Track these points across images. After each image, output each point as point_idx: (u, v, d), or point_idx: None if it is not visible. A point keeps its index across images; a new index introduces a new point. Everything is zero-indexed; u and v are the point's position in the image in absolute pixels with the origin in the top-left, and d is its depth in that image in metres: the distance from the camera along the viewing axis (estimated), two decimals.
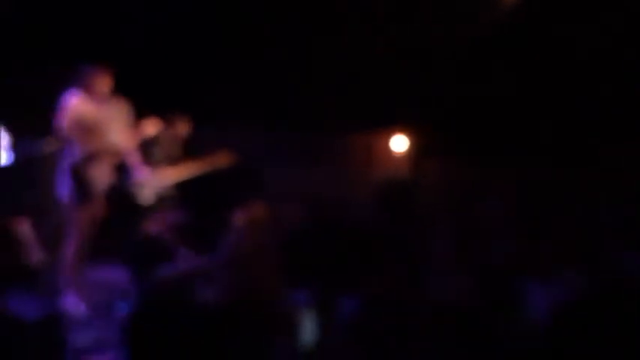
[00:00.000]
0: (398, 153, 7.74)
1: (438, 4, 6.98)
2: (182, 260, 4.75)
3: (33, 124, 5.84)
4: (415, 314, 3.12)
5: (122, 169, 5.61)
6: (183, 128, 6.13)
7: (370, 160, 7.72)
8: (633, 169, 6.57)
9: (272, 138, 7.28)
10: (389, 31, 7.05)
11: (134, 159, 5.52)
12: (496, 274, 3.58)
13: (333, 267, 4.01)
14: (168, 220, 5.05)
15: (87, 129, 4.95)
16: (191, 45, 6.91)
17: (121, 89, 5.18)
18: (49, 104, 5.04)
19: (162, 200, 5.96)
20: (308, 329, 3.56)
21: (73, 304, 4.97)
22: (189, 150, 6.23)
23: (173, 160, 6.06)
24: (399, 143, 7.72)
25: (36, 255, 5.43)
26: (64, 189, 5.06)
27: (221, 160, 6.18)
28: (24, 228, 5.48)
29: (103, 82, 5.03)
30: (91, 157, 5.00)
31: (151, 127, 5.62)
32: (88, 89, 4.98)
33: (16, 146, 6.14)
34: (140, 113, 5.50)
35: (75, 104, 4.93)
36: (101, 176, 5.12)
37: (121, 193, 5.71)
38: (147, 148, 5.86)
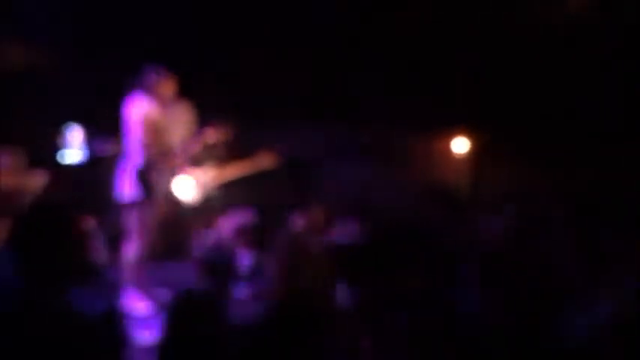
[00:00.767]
0: (459, 155, 7.64)
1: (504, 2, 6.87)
2: (244, 260, 4.79)
3: (102, 123, 6.01)
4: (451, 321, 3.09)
5: (179, 172, 5.70)
6: (231, 130, 6.18)
7: (430, 162, 7.65)
8: None
9: (331, 137, 7.28)
10: (452, 29, 6.97)
11: (186, 161, 5.61)
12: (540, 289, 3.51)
13: (382, 270, 3.97)
14: (228, 222, 5.10)
15: (151, 131, 5.05)
16: (246, 41, 6.96)
17: (183, 91, 5.28)
18: (116, 105, 5.17)
19: (212, 201, 6.02)
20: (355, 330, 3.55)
21: (135, 302, 5.07)
22: (248, 149, 6.28)
23: (221, 162, 6.11)
24: (460, 145, 7.62)
25: (100, 253, 5.57)
26: (126, 189, 5.16)
27: (266, 160, 6.18)
28: (90, 225, 5.63)
29: (168, 86, 5.12)
30: (154, 159, 5.10)
31: (214, 135, 5.70)
32: (153, 92, 5.07)
33: (86, 145, 6.31)
34: (200, 115, 5.59)
35: (140, 107, 5.04)
36: (163, 178, 5.22)
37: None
38: (198, 149, 5.93)
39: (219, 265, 4.23)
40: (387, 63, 7.04)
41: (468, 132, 7.57)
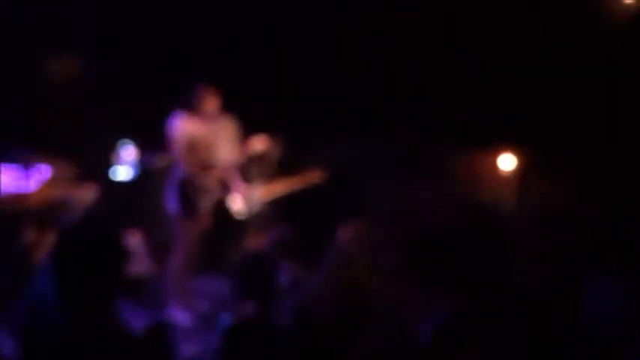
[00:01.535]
0: (505, 171, 7.53)
1: (551, 17, 6.78)
2: (287, 276, 4.78)
3: (148, 139, 6.10)
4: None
5: (225, 186, 5.76)
6: (278, 146, 6.23)
7: (476, 178, 7.55)
8: None
9: (377, 151, 7.25)
10: (500, 45, 6.90)
11: (234, 175, 5.66)
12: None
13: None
14: (272, 236, 5.11)
15: (194, 147, 5.11)
16: (290, 56, 6.99)
17: (227, 106, 5.33)
18: (162, 121, 5.24)
19: (261, 216, 6.06)
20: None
21: (179, 315, 5.11)
22: (294, 165, 6.31)
23: (269, 177, 6.16)
24: (507, 162, 7.51)
25: (145, 266, 5.64)
26: (172, 203, 5.22)
27: (313, 177, 6.22)
28: (135, 239, 5.71)
29: (211, 101, 5.17)
30: (197, 174, 5.16)
31: (258, 144, 5.73)
32: (196, 108, 5.12)
33: (137, 161, 6.41)
34: (245, 130, 5.63)
35: (183, 123, 5.10)
36: (207, 192, 5.27)
37: (224, 208, 5.85)
38: (245, 164, 5.99)
39: (260, 280, 4.23)
40: (433, 77, 6.99)
41: (515, 148, 7.46)
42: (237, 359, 3.35)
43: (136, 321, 2.50)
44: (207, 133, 5.19)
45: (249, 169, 6.03)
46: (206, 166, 5.19)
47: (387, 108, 7.10)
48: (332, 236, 4.50)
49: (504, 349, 3.11)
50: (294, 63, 6.93)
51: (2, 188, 4.79)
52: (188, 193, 5.15)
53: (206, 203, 5.27)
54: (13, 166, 5.24)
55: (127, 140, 6.14)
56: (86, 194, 5.69)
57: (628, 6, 6.82)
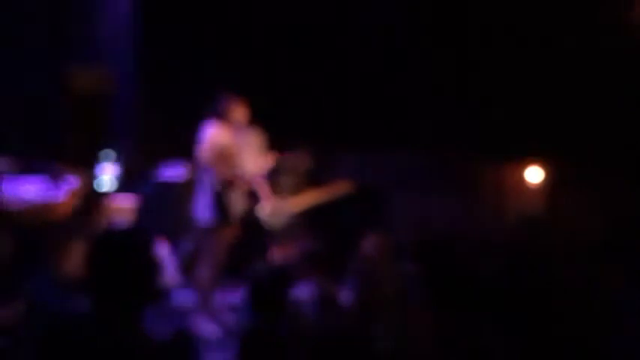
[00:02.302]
0: (532, 185, 7.46)
1: (582, 32, 6.73)
2: (311, 287, 4.77)
3: (175, 149, 6.15)
4: None
5: (252, 196, 5.79)
6: (307, 157, 6.25)
7: (502, 191, 7.49)
8: None
9: (403, 164, 7.23)
10: (527, 58, 6.87)
11: (262, 186, 5.69)
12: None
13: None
14: (297, 248, 5.11)
15: (224, 157, 5.14)
16: (319, 68, 7.02)
17: (255, 117, 5.37)
18: (191, 130, 5.30)
19: (288, 227, 6.07)
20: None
21: (205, 326, 5.13)
22: (320, 175, 6.33)
23: (298, 189, 6.17)
24: (534, 174, 7.44)
25: (172, 276, 5.66)
26: (201, 213, 5.25)
27: (340, 188, 6.22)
28: (162, 249, 5.75)
29: (240, 112, 5.22)
30: (228, 184, 5.19)
31: (288, 156, 5.79)
32: (225, 118, 5.17)
33: (158, 170, 6.47)
34: (272, 140, 5.67)
35: (213, 133, 5.14)
36: (237, 202, 5.30)
37: (251, 219, 5.88)
38: (273, 176, 6.02)
39: (272, 293, 4.23)
40: (461, 89, 6.98)
41: (543, 161, 7.39)
42: None
43: (162, 331, 2.52)
44: (235, 143, 5.23)
45: (278, 180, 6.06)
46: (234, 176, 5.23)
47: (414, 120, 7.09)
48: (355, 249, 4.49)
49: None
50: (323, 75, 6.96)
51: (32, 199, 4.86)
52: (218, 202, 5.18)
53: (235, 213, 5.29)
54: (43, 176, 5.31)
55: (109, 151, 6.20)
56: (121, 205, 5.76)
57: None
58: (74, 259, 3.60)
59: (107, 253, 2.21)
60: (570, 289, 3.88)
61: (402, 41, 6.96)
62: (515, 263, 4.12)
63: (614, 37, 6.74)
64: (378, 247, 4.11)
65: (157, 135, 6.60)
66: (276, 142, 5.74)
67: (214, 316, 5.24)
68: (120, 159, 6.29)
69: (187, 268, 5.54)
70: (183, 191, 5.93)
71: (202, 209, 5.22)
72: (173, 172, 6.36)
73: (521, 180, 7.42)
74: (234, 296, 5.74)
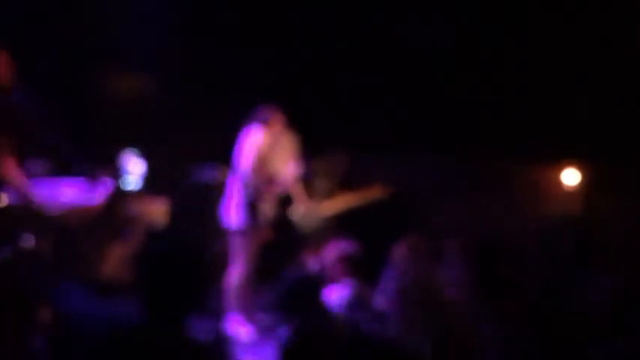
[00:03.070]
0: (569, 187, 7.35)
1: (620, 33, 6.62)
2: (346, 290, 4.76)
3: (210, 151, 6.20)
4: None
5: (286, 199, 5.82)
6: (342, 160, 6.25)
7: (538, 194, 7.39)
8: None
9: (438, 168, 7.19)
10: (565, 58, 6.78)
11: (296, 189, 5.72)
12: None
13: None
14: (332, 251, 5.10)
15: (263, 161, 5.22)
16: (356, 72, 7.01)
17: (291, 120, 5.43)
18: (228, 134, 5.37)
19: (321, 231, 6.07)
20: None
21: (239, 328, 5.15)
22: (354, 179, 6.32)
23: (332, 192, 6.19)
24: (571, 177, 7.33)
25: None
26: (233, 216, 5.28)
27: (375, 192, 6.24)
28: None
29: (278, 119, 5.30)
30: (262, 186, 5.24)
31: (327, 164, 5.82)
32: (265, 125, 5.26)
33: (192, 172, 6.51)
34: (307, 143, 5.68)
35: (256, 138, 5.24)
36: (270, 205, 5.34)
37: (285, 222, 5.90)
38: (308, 179, 6.03)
39: (307, 296, 4.23)
40: (496, 91, 6.91)
41: (580, 163, 7.28)
42: None
43: (201, 335, 2.53)
44: (272, 147, 5.32)
45: (313, 183, 6.08)
46: (270, 180, 5.31)
47: (450, 123, 7.05)
48: (389, 253, 4.46)
49: None
50: (358, 79, 6.96)
51: (70, 201, 4.91)
52: (251, 205, 5.24)
53: (269, 216, 5.35)
54: (80, 179, 5.36)
55: (133, 149, 6.22)
56: (155, 208, 5.81)
57: None
58: (112, 261, 3.64)
59: (158, 257, 2.22)
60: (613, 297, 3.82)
61: (437, 44, 6.92)
62: (558, 267, 4.06)
63: None
64: (413, 250, 4.07)
65: (189, 138, 6.64)
66: (311, 146, 5.76)
67: (248, 318, 5.26)
68: (150, 160, 6.33)
69: (221, 270, 5.56)
70: (215, 194, 5.95)
71: (235, 212, 5.26)
72: (206, 175, 6.40)
73: (558, 182, 7.33)
74: (267, 298, 5.75)
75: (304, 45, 6.97)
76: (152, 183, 6.17)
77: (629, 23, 6.66)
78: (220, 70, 6.90)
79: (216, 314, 5.31)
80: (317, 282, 4.79)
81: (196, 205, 6.26)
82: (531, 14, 6.84)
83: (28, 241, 3.60)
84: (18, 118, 3.96)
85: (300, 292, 4.68)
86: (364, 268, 4.87)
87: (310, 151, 5.80)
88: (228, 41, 6.96)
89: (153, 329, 2.16)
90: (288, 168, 5.52)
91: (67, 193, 5.17)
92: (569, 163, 7.27)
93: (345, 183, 6.27)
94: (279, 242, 5.70)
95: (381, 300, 4.12)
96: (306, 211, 6.03)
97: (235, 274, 5.29)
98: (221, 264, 5.61)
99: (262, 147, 5.26)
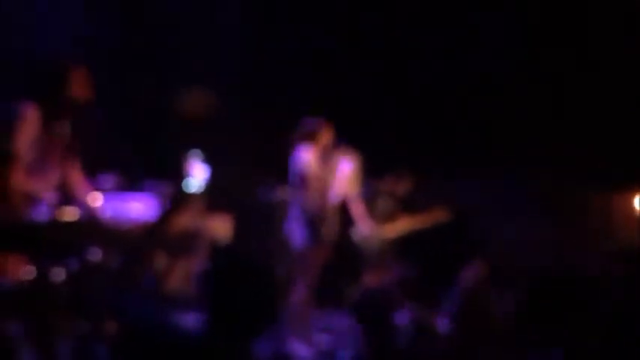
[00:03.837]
0: None
1: None
2: (409, 315, 4.70)
3: (271, 169, 6.23)
4: None
5: (348, 220, 5.78)
6: (406, 183, 6.20)
7: (610, 220, 7.17)
8: None
9: (505, 189, 7.05)
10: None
11: (358, 210, 5.67)
12: None
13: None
14: (394, 274, 5.06)
15: (315, 180, 5.19)
16: (418, 93, 6.98)
17: (348, 140, 5.40)
18: (284, 152, 5.38)
19: (384, 253, 6.02)
20: None
21: (299, 348, 5.12)
22: (418, 202, 6.26)
23: (394, 214, 6.13)
24: None
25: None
26: (295, 235, 5.28)
27: (438, 215, 6.17)
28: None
29: (327, 136, 5.27)
30: (320, 205, 5.22)
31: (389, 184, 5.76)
32: (314, 142, 5.23)
33: (256, 190, 6.56)
34: (370, 164, 5.65)
35: (304, 157, 5.20)
36: (330, 225, 5.31)
37: (346, 242, 5.86)
38: (371, 200, 5.99)
39: (378, 318, 4.16)
40: (568, 117, 6.77)
41: None
42: None
43: (260, 352, 2.51)
44: (323, 166, 5.28)
45: (376, 204, 6.04)
46: (325, 199, 5.27)
47: (517, 146, 6.93)
48: (454, 276, 4.38)
49: None
50: (421, 100, 6.92)
51: (137, 217, 4.99)
52: (312, 224, 5.22)
53: (329, 235, 5.31)
54: (144, 194, 5.46)
55: (198, 151, 6.25)
56: (218, 225, 5.87)
57: None
58: (177, 276, 3.67)
59: (223, 273, 2.22)
60: None
61: (503, 64, 6.83)
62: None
63: None
64: (479, 276, 3.99)
65: (255, 156, 6.70)
66: (374, 167, 5.72)
67: (308, 338, 5.23)
68: (215, 175, 6.39)
69: (283, 290, 5.56)
70: (278, 212, 5.97)
71: (296, 231, 5.26)
72: (269, 193, 6.43)
73: (631, 208, 7.10)
74: (329, 320, 5.72)
75: (371, 67, 6.98)
76: (217, 198, 6.23)
77: None
78: (289, 90, 6.96)
79: (277, 334, 5.31)
80: (390, 303, 4.73)
81: (261, 223, 6.30)
82: (609, 36, 6.69)
83: (95, 255, 3.66)
84: (90, 133, 4.05)
85: (374, 313, 4.60)
86: (425, 292, 4.79)
87: (374, 172, 5.77)
88: (297, 62, 7.01)
89: (215, 344, 2.16)
90: (342, 187, 5.48)
91: (135, 209, 5.27)
92: None
93: (409, 206, 6.21)
94: (340, 263, 5.67)
95: (443, 324, 4.04)
96: (367, 233, 5.99)
97: (297, 293, 5.28)
98: (284, 283, 5.61)
99: (312, 165, 5.22)
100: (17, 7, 6.19)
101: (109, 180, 5.10)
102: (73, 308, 3.50)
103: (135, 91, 6.68)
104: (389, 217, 6.12)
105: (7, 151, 3.59)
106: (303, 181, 5.18)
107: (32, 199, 3.71)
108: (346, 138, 5.38)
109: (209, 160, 6.49)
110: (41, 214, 3.68)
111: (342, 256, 5.76)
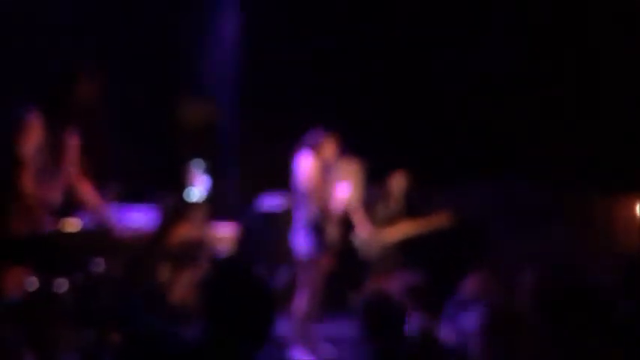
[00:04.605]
0: None
1: None
2: (414, 322, 4.68)
3: (275, 178, 6.23)
4: None
5: (348, 225, 5.79)
6: (406, 186, 6.20)
7: (615, 226, 7.15)
8: None
9: (510, 196, 7.05)
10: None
11: (358, 215, 5.69)
12: None
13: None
14: (399, 281, 5.04)
15: (318, 187, 5.21)
16: (423, 97, 6.98)
17: (354, 147, 5.40)
18: (289, 161, 5.39)
19: (387, 258, 6.01)
20: None
21: (302, 357, 5.11)
22: (417, 207, 6.25)
23: (395, 218, 6.12)
24: None
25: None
26: (299, 244, 5.28)
27: (441, 220, 6.14)
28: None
29: (331, 146, 5.29)
30: (322, 213, 5.22)
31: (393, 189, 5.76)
32: (318, 151, 5.25)
33: (259, 200, 6.56)
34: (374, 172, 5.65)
35: (307, 164, 5.21)
36: (333, 232, 5.31)
37: (347, 248, 5.86)
38: (371, 204, 5.99)
39: (387, 324, 4.14)
40: (572, 123, 6.77)
41: None
42: None
43: None
44: (323, 172, 5.30)
45: (376, 208, 6.04)
46: (328, 206, 5.28)
47: (523, 152, 6.93)
48: (458, 283, 4.37)
49: None
50: (424, 105, 6.92)
51: (135, 226, 5.00)
52: (316, 233, 5.22)
53: (332, 243, 5.31)
54: (146, 204, 5.47)
55: (199, 161, 6.26)
56: (220, 234, 5.87)
57: None
58: (180, 286, 3.67)
59: (224, 284, 2.22)
60: None
61: (510, 69, 6.84)
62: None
63: None
64: (484, 284, 3.97)
65: (258, 165, 6.70)
66: (374, 170, 5.73)
67: (311, 347, 5.22)
68: (217, 185, 6.40)
69: (285, 298, 5.56)
70: (282, 221, 5.97)
71: (300, 240, 5.25)
72: (273, 202, 6.43)
73: (633, 214, 7.09)
74: (332, 328, 5.71)
75: (370, 69, 6.98)
76: (219, 209, 6.24)
77: None
78: (291, 98, 6.97)
79: (281, 343, 5.30)
80: (400, 310, 4.72)
81: (263, 233, 6.30)
82: (618, 44, 6.70)
83: (99, 266, 3.66)
84: (98, 142, 4.04)
85: (385, 320, 4.58)
86: (429, 300, 4.78)
87: (374, 175, 5.77)
88: (297, 63, 7.02)
89: (217, 355, 2.16)
90: (341, 191, 5.49)
91: (137, 218, 5.28)
92: None
93: (411, 210, 6.20)
94: (344, 270, 5.66)
95: (447, 332, 4.02)
96: (368, 238, 5.98)
97: (300, 302, 5.27)
98: (287, 293, 5.61)
99: (313, 172, 5.23)
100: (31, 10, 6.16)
101: (111, 190, 5.10)
102: (76, 319, 3.50)
103: (136, 99, 6.68)
104: (390, 221, 6.11)
105: (15, 157, 3.58)
106: (306, 190, 5.19)
107: (42, 206, 3.70)
108: (347, 141, 5.38)
109: (211, 169, 6.50)
110: (47, 223, 3.68)
111: (346, 263, 5.75)
